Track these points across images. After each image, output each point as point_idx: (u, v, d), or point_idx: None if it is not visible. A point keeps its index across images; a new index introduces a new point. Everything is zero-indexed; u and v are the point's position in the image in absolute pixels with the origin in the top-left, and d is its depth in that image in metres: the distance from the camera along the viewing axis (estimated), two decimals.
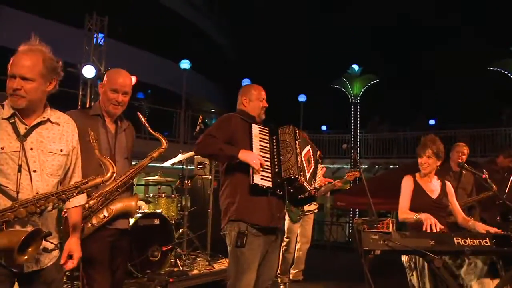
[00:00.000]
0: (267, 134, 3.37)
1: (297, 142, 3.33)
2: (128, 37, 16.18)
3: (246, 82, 18.64)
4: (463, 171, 4.75)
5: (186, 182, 5.91)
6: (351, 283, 6.57)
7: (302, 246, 5.94)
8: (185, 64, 15.70)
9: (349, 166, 16.69)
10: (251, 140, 3.26)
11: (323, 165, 3.77)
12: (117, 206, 2.92)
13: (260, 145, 3.27)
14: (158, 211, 5.22)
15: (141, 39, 16.97)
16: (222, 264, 5.56)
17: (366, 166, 17.18)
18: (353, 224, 3.18)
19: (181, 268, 5.04)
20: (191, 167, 7.42)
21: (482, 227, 3.57)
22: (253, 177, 3.14)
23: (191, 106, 17.25)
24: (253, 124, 3.33)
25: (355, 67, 18.78)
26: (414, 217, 3.64)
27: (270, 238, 3.39)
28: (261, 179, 3.17)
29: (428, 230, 3.40)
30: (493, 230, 3.47)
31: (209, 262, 5.54)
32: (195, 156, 6.79)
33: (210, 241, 5.80)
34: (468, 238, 3.18)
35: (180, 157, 5.83)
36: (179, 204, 5.85)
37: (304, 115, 18.23)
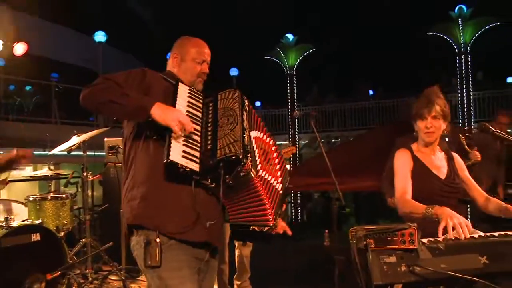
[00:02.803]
0: (200, 100, 2.19)
1: (244, 113, 2.11)
2: (30, 7, 13.90)
3: None
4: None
5: (86, 173, 4.30)
6: (307, 283, 5.41)
7: (244, 250, 4.48)
8: (100, 36, 13.72)
9: (287, 142, 15.57)
10: (175, 102, 2.03)
11: None
12: None
13: (188, 112, 2.06)
14: (38, 221, 3.59)
15: (47, 10, 14.69)
16: (142, 282, 4.08)
17: (306, 141, 16.18)
18: (350, 237, 1.82)
19: None
20: (101, 153, 5.81)
21: None
22: (169, 150, 1.85)
23: None
24: (180, 83, 2.15)
25: (290, 36, 17.69)
26: (425, 211, 2.27)
27: (201, 254, 2.10)
28: (183, 157, 1.88)
29: (451, 236, 1.99)
30: None
31: (124, 282, 4.02)
32: (105, 139, 5.26)
33: (125, 251, 4.29)
34: None
35: (75, 140, 4.20)
36: (75, 206, 4.23)
37: None
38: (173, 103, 2.00)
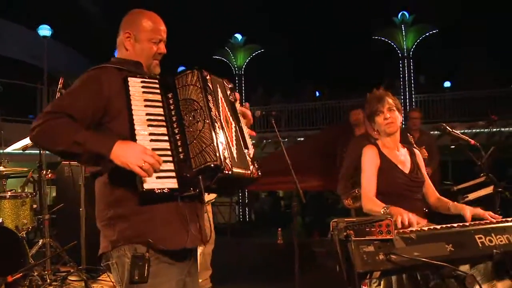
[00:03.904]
0: (158, 91, 1.93)
1: (209, 98, 1.91)
2: None
3: None
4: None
5: (45, 172, 4.19)
6: (264, 279, 5.50)
7: (206, 248, 4.51)
8: (44, 30, 13.14)
9: None
10: (130, 107, 1.83)
11: None
12: None
13: (148, 114, 1.86)
14: None
15: None
16: (103, 282, 4.03)
17: (254, 142, 16.28)
18: (331, 230, 1.93)
19: None
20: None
21: (471, 211, 2.52)
22: (141, 181, 1.75)
23: (57, 81, 14.67)
24: (130, 78, 1.88)
25: (239, 36, 17.81)
26: (383, 210, 2.50)
27: (187, 264, 2.01)
28: (158, 177, 1.77)
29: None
30: (489, 214, 2.47)
31: (86, 282, 3.96)
32: None
33: (85, 251, 4.22)
34: (493, 235, 2.11)
35: None
36: (34, 205, 4.11)
37: None
38: (128, 111, 1.83)
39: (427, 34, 14.77)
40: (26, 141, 4.13)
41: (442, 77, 18.33)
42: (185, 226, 1.89)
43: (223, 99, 2.05)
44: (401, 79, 14.58)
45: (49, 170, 4.41)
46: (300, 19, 18.79)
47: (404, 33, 14.78)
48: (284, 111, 17.10)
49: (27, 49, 14.57)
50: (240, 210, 14.75)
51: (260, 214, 14.75)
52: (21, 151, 4.41)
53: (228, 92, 2.13)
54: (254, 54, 17.62)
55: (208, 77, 1.96)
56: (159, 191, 1.76)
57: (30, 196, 3.97)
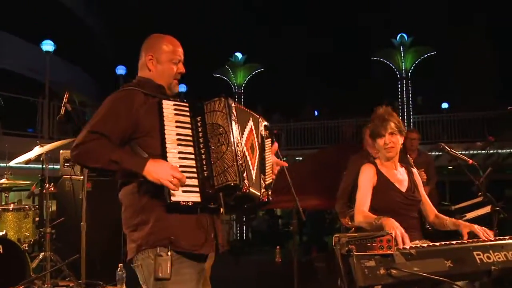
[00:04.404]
0: (188, 114, 2.10)
1: (233, 123, 2.11)
2: None
3: (121, 69, 16.63)
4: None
5: (48, 185, 4.22)
6: None
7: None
8: (48, 46, 13.24)
9: None
10: (163, 127, 2.01)
11: None
12: None
13: (178, 134, 2.04)
14: (1, 233, 3.50)
15: None
16: None
17: None
18: (333, 244, 1.98)
19: None
20: (56, 166, 5.68)
21: (467, 228, 2.58)
22: (169, 193, 1.95)
23: (57, 96, 14.77)
24: (164, 101, 2.06)
25: (239, 55, 17.97)
26: (374, 221, 2.55)
27: (202, 269, 2.17)
28: (184, 191, 1.98)
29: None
30: (484, 229, 2.53)
31: None
32: (61, 152, 5.16)
33: (85, 265, 4.23)
34: (491, 252, 2.16)
35: (37, 151, 4.13)
36: (37, 218, 4.14)
37: None
38: (161, 130, 2.00)
39: (425, 55, 14.96)
40: (29, 154, 4.19)
41: (439, 98, 18.52)
42: (204, 234, 2.07)
43: (253, 129, 2.26)
44: (400, 100, 14.69)
45: (51, 184, 4.44)
46: (301, 39, 19.01)
47: (402, 55, 14.97)
48: (283, 130, 17.19)
49: (28, 63, 14.69)
50: (238, 228, 14.70)
51: (258, 232, 14.71)
52: (23, 165, 4.46)
53: (261, 128, 2.35)
54: (254, 73, 17.74)
55: (233, 105, 2.14)
56: (184, 203, 1.96)
57: (33, 209, 4.02)
